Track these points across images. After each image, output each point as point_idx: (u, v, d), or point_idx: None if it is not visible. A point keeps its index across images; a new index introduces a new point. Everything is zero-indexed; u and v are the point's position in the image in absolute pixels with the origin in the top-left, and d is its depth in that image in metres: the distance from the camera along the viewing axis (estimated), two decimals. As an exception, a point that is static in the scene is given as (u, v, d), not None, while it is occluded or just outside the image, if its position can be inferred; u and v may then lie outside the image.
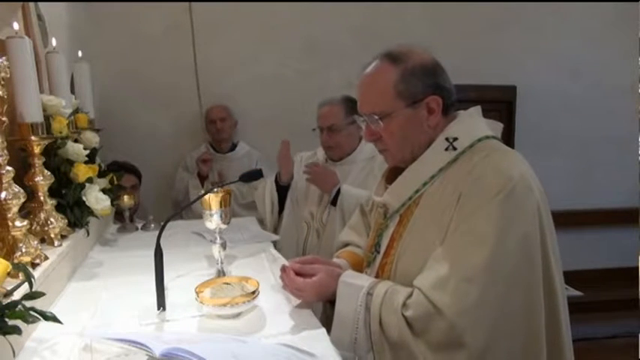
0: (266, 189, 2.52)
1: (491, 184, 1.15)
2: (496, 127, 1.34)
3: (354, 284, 1.24)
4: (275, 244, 2.00)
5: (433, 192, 1.23)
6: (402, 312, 1.14)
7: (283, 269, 1.33)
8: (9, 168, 1.20)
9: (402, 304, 1.15)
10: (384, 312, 1.16)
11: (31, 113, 1.36)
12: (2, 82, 1.18)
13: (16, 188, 1.23)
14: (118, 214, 2.33)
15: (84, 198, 1.67)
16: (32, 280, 1.04)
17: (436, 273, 1.13)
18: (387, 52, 1.29)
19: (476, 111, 1.33)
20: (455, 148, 1.24)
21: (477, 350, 1.08)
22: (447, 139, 1.25)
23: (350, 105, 2.39)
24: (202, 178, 3.21)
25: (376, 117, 1.25)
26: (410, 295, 1.15)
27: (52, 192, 1.53)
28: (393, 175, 1.36)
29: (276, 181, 2.48)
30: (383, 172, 1.48)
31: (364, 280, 1.25)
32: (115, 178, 2.02)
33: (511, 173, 1.16)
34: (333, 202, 2.30)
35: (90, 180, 1.72)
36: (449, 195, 1.19)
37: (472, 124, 1.29)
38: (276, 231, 2.43)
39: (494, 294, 1.10)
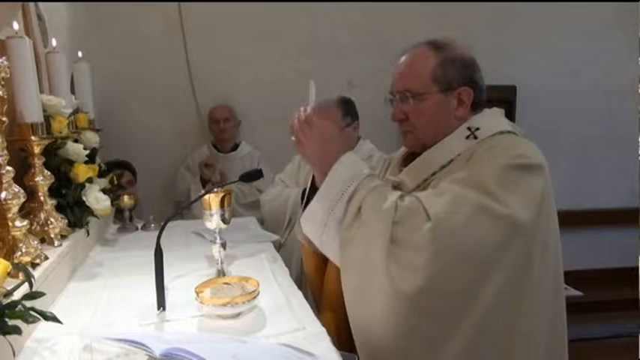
0: (288, 202, 2.46)
1: (504, 152, 1.18)
2: (518, 131, 1.36)
3: (360, 162, 1.26)
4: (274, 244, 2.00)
5: (447, 173, 1.24)
6: (397, 199, 1.16)
7: (300, 111, 1.30)
8: (9, 168, 1.20)
9: (399, 196, 1.18)
10: (376, 193, 1.18)
11: (31, 113, 1.36)
12: (2, 82, 1.18)
13: (16, 188, 1.23)
14: (118, 214, 2.33)
15: (84, 198, 1.67)
16: (32, 280, 1.03)
17: (432, 191, 1.18)
18: (431, 39, 1.32)
19: (499, 111, 1.37)
20: (476, 137, 1.26)
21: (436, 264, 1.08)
22: (469, 129, 1.28)
23: (346, 107, 2.39)
24: (205, 182, 3.20)
25: (408, 94, 1.27)
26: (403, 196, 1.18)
27: (52, 192, 1.53)
28: (408, 161, 1.37)
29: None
30: (395, 159, 1.50)
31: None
32: (115, 178, 2.02)
33: (526, 152, 1.19)
34: None
35: (90, 180, 1.72)
36: (460, 165, 1.22)
37: (495, 118, 1.33)
38: (282, 246, 2.38)
39: (475, 229, 1.09)
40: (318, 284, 1.56)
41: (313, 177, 1.34)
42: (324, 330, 1.14)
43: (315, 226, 1.24)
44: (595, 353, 2.97)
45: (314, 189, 1.30)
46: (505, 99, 3.79)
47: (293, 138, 1.29)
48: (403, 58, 1.33)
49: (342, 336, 1.34)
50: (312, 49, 3.53)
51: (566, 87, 3.87)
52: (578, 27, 3.83)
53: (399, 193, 1.19)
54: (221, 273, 1.46)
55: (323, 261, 1.50)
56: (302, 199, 2.37)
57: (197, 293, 1.22)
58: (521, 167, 1.16)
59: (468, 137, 1.26)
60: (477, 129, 1.27)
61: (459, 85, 1.27)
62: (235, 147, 3.42)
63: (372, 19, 3.57)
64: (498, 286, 1.11)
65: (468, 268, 1.10)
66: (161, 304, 1.23)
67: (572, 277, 3.88)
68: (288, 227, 2.47)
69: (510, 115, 3.80)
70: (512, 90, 3.80)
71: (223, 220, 1.42)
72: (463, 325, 1.10)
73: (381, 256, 1.11)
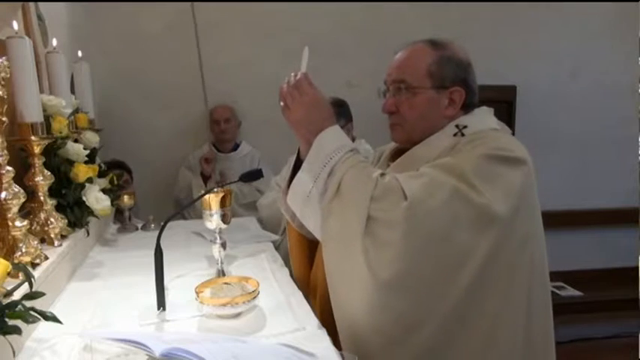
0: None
1: (485, 144, 1.20)
2: (506, 130, 1.38)
3: (345, 136, 1.26)
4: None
5: None
6: (378, 176, 1.16)
7: (291, 76, 1.28)
8: (9, 168, 1.20)
9: (380, 174, 1.17)
10: (358, 168, 1.18)
11: (31, 113, 1.36)
12: (2, 82, 1.18)
13: (16, 188, 1.23)
14: (118, 214, 2.33)
15: (84, 198, 1.67)
16: (32, 280, 1.04)
17: (411, 173, 1.18)
18: (430, 38, 1.33)
19: (489, 110, 1.38)
20: (463, 135, 1.28)
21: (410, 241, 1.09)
22: (456, 126, 1.30)
23: (339, 109, 2.40)
24: (205, 177, 3.21)
25: (402, 86, 1.29)
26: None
27: (52, 192, 1.53)
28: (397, 157, 1.38)
29: None
30: (385, 153, 1.51)
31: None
32: (115, 178, 2.02)
33: (508, 146, 1.20)
34: None
35: (90, 180, 1.72)
36: (444, 156, 1.23)
37: (484, 117, 1.34)
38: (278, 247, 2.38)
39: (448, 213, 1.10)
40: (300, 264, 1.55)
41: (299, 150, 1.33)
42: (324, 330, 1.14)
43: (299, 197, 1.24)
44: (595, 353, 2.98)
45: (299, 162, 1.30)
46: (505, 99, 3.79)
47: (281, 103, 1.28)
48: (400, 52, 1.35)
49: (325, 316, 1.32)
50: (312, 49, 3.52)
51: (566, 87, 3.87)
52: (578, 27, 3.84)
53: (379, 171, 1.19)
54: (221, 273, 1.46)
55: (304, 238, 1.49)
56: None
57: (197, 293, 1.22)
58: (500, 159, 1.17)
59: (455, 135, 1.29)
60: (465, 127, 1.29)
61: (452, 85, 1.29)
62: (236, 147, 3.42)
63: (373, 20, 3.57)
64: (472, 272, 1.11)
65: (440, 251, 1.10)
66: (161, 304, 1.23)
67: (572, 277, 3.91)
68: (285, 231, 2.47)
69: (510, 115, 3.81)
70: (511, 90, 3.80)
71: (223, 220, 1.42)
72: (438, 308, 1.11)
73: (358, 231, 1.12)
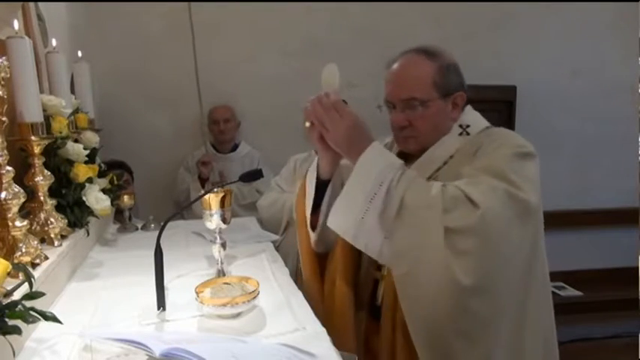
0: (285, 207, 2.46)
1: (506, 143, 1.28)
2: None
3: (388, 152, 1.29)
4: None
5: (448, 169, 1.32)
6: (441, 187, 1.18)
7: (322, 96, 1.27)
8: (9, 168, 1.20)
9: (442, 185, 1.19)
10: (419, 183, 1.20)
11: (31, 113, 1.36)
12: (2, 82, 1.18)
13: (16, 188, 1.23)
14: (118, 214, 2.33)
15: (84, 198, 1.67)
16: (32, 280, 1.04)
17: (468, 180, 1.20)
18: (419, 47, 1.37)
19: (470, 107, 1.45)
20: (468, 134, 1.37)
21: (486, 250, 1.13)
22: (460, 126, 1.38)
23: None
24: (203, 180, 3.19)
25: (416, 102, 1.32)
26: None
27: (52, 192, 1.53)
28: (401, 158, 1.38)
29: None
30: None
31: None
32: (115, 178, 2.02)
33: (524, 142, 1.29)
34: None
35: (90, 180, 1.72)
36: (467, 158, 1.28)
37: (474, 115, 1.43)
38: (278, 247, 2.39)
39: (508, 213, 1.15)
40: (318, 289, 1.53)
41: (317, 170, 1.36)
42: (324, 330, 1.14)
43: (349, 219, 1.22)
44: (595, 353, 2.98)
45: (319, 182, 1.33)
46: (505, 99, 3.79)
47: (307, 124, 1.29)
48: (398, 66, 1.37)
49: (347, 337, 1.37)
50: (312, 49, 3.53)
51: (566, 87, 3.87)
52: (578, 27, 3.84)
53: (439, 182, 1.21)
54: (221, 273, 1.46)
55: (320, 265, 1.51)
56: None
57: (197, 293, 1.22)
58: (524, 155, 1.25)
59: (460, 134, 1.37)
60: (468, 126, 1.37)
61: (455, 90, 1.35)
62: (235, 147, 3.42)
63: (373, 20, 3.57)
64: (524, 264, 1.19)
65: (507, 250, 1.16)
66: (161, 304, 1.23)
67: (572, 277, 3.91)
68: (285, 231, 2.48)
69: (510, 115, 3.81)
70: (512, 90, 3.80)
71: (223, 220, 1.42)
72: (509, 304, 1.18)
73: (437, 243, 1.13)
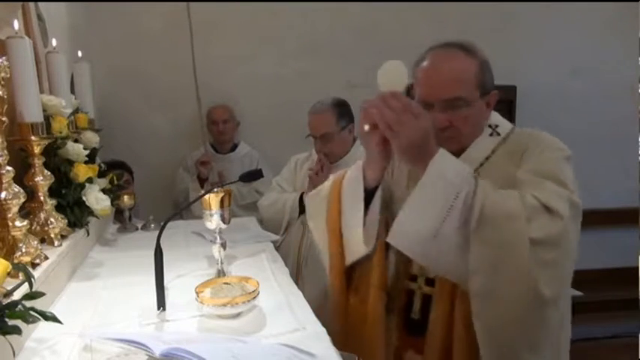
0: (286, 207, 2.46)
1: (550, 145, 1.29)
2: None
3: (455, 159, 1.20)
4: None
5: (488, 171, 1.28)
6: (519, 196, 1.13)
7: (388, 97, 1.13)
8: (9, 168, 1.20)
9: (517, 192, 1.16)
10: (496, 192, 1.14)
11: (31, 113, 1.36)
12: (2, 82, 1.18)
13: (16, 188, 1.23)
14: (118, 214, 2.33)
15: (84, 198, 1.67)
16: (32, 280, 1.04)
17: (535, 186, 1.17)
18: (454, 42, 1.30)
19: None
20: (498, 134, 1.34)
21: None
22: (490, 126, 1.35)
23: (340, 110, 2.39)
24: (202, 180, 3.19)
25: (462, 103, 1.26)
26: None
27: (52, 192, 1.53)
28: None
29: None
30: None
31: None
32: (115, 178, 2.02)
33: (564, 145, 1.30)
34: None
35: (90, 180, 1.72)
36: (510, 160, 1.27)
37: (497, 115, 1.40)
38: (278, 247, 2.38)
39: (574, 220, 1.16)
40: (345, 302, 1.43)
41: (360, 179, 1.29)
42: (324, 330, 1.14)
43: (420, 234, 1.14)
44: (595, 353, 2.97)
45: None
46: (505, 99, 3.79)
47: (366, 127, 1.17)
48: (435, 64, 1.27)
49: (376, 349, 1.33)
50: (312, 49, 3.53)
51: (566, 87, 3.87)
52: (578, 27, 3.83)
53: (513, 191, 1.16)
54: (221, 273, 1.46)
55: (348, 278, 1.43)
56: (300, 203, 2.41)
57: (197, 293, 1.22)
58: (567, 158, 1.26)
59: (491, 135, 1.34)
60: (497, 126, 1.35)
61: (491, 89, 1.32)
62: (234, 148, 3.41)
63: (372, 20, 3.57)
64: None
65: (575, 258, 1.17)
66: (161, 304, 1.23)
67: (573, 277, 3.91)
68: (285, 231, 2.48)
69: (510, 115, 3.80)
70: (512, 90, 3.80)
71: (223, 220, 1.42)
72: (568, 307, 1.23)
73: (523, 254, 1.09)
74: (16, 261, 1.18)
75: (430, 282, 1.32)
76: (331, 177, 1.50)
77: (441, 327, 1.25)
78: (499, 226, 1.11)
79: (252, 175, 1.52)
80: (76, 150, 1.68)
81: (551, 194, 1.14)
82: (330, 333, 1.14)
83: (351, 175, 1.35)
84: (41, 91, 1.58)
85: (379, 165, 1.26)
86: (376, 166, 1.26)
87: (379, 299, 1.34)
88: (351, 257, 1.38)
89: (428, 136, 1.14)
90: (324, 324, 1.17)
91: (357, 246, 1.34)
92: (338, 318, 1.39)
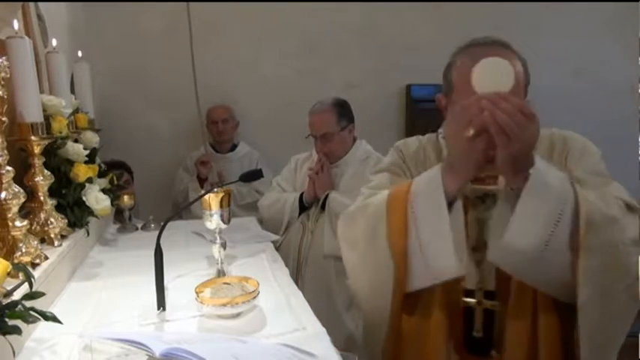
0: (286, 207, 2.47)
1: (587, 143, 1.34)
2: None
3: (551, 165, 1.12)
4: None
5: None
6: (614, 199, 1.11)
7: (499, 98, 1.03)
8: (9, 168, 1.20)
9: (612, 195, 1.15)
10: (595, 196, 1.07)
11: (31, 113, 1.36)
12: (2, 82, 1.18)
13: (16, 188, 1.23)
14: (118, 214, 2.33)
15: (84, 198, 1.67)
16: (32, 280, 1.04)
17: (602, 184, 1.18)
18: (498, 40, 1.26)
19: None
20: None
21: None
22: None
23: (340, 110, 2.39)
24: (202, 180, 3.19)
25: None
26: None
27: (52, 192, 1.53)
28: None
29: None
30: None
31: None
32: (115, 178, 2.02)
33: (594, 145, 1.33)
34: (322, 206, 2.34)
35: (90, 180, 1.72)
36: (555, 158, 1.27)
37: None
38: (278, 247, 2.37)
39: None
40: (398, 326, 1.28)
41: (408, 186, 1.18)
42: (324, 330, 1.14)
43: (528, 248, 1.05)
44: (595, 353, 2.96)
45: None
46: (505, 99, 3.79)
47: (471, 132, 1.04)
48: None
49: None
50: (312, 49, 3.53)
51: (567, 87, 3.87)
52: (579, 27, 3.83)
53: (603, 192, 1.12)
54: (221, 273, 1.46)
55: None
56: (299, 202, 2.40)
57: (197, 293, 1.22)
58: (602, 157, 1.31)
59: None
60: None
61: (527, 87, 1.27)
62: (233, 148, 3.41)
63: (372, 20, 3.57)
64: None
65: None
66: (161, 304, 1.23)
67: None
68: (286, 231, 2.48)
69: (510, 115, 3.80)
70: (512, 90, 3.80)
71: (223, 220, 1.42)
72: None
73: (626, 260, 1.06)
74: (16, 261, 1.18)
75: (490, 295, 1.22)
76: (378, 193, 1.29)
77: (520, 343, 1.15)
78: (604, 232, 1.04)
79: (252, 175, 1.52)
80: (76, 150, 1.68)
81: (623, 193, 1.16)
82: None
83: (424, 185, 1.17)
84: (41, 91, 1.58)
85: (470, 175, 1.12)
86: (466, 175, 1.12)
87: (442, 323, 1.21)
88: (432, 277, 1.17)
89: (536, 141, 1.06)
90: (372, 353, 1.15)
91: (442, 263, 1.13)
92: (393, 345, 1.25)
